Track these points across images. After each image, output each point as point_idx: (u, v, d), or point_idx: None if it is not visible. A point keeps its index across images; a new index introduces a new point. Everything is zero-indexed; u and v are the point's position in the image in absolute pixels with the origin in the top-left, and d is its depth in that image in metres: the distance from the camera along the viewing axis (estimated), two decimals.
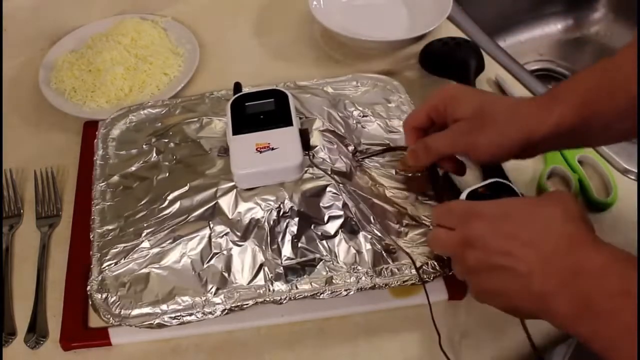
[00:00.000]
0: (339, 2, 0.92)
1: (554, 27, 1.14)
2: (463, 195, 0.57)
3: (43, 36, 0.88)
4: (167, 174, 0.64)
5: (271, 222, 0.58)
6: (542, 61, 1.11)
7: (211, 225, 0.58)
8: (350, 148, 0.65)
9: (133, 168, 0.66)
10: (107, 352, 0.58)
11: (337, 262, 0.57)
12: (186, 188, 0.61)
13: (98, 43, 0.84)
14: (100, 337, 0.58)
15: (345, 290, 0.56)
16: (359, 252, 0.58)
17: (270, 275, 0.57)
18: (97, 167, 0.67)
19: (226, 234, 0.58)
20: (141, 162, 0.66)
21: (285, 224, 0.58)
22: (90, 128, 0.74)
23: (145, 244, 0.59)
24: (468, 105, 0.55)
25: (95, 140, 0.70)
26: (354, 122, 0.69)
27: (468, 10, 0.93)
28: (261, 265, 0.57)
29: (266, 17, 0.94)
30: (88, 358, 0.58)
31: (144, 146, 0.68)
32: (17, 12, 0.84)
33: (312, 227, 0.58)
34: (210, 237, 0.58)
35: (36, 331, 0.59)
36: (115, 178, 0.65)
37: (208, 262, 0.57)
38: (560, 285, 0.43)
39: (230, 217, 0.58)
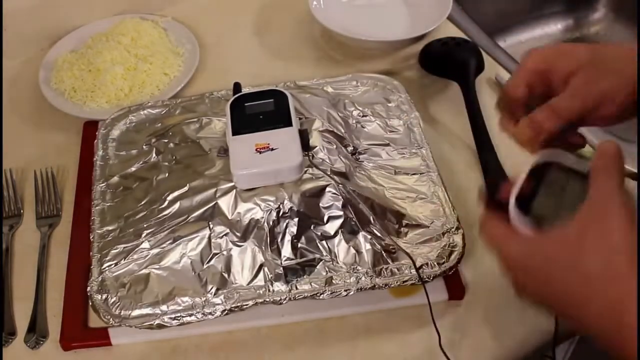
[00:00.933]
0: (339, 2, 0.92)
1: (554, 27, 1.14)
2: (512, 203, 0.47)
3: (43, 36, 0.88)
4: (167, 175, 0.64)
5: (271, 223, 0.58)
6: None
7: (211, 226, 0.58)
8: (349, 148, 0.65)
9: (133, 168, 0.66)
10: (107, 352, 0.58)
11: (337, 263, 0.57)
12: (186, 188, 0.61)
13: (98, 43, 0.84)
14: (100, 337, 0.58)
15: (345, 290, 0.56)
16: (358, 252, 0.58)
17: (270, 276, 0.57)
18: (97, 167, 0.67)
19: (226, 235, 0.58)
20: (141, 162, 0.66)
21: (284, 224, 0.58)
22: (90, 128, 0.74)
23: (145, 245, 0.59)
24: (578, 55, 0.49)
25: (95, 141, 0.70)
26: (354, 121, 0.69)
27: (468, 10, 0.93)
28: (261, 266, 0.57)
29: (266, 17, 0.93)
30: (88, 358, 0.58)
31: (144, 146, 0.68)
32: (17, 12, 0.84)
33: (312, 227, 0.58)
34: (210, 238, 0.58)
35: (36, 331, 0.59)
36: (115, 179, 0.65)
37: (208, 263, 0.57)
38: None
39: (229, 217, 0.58)
